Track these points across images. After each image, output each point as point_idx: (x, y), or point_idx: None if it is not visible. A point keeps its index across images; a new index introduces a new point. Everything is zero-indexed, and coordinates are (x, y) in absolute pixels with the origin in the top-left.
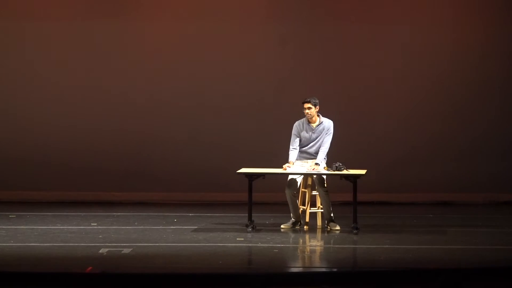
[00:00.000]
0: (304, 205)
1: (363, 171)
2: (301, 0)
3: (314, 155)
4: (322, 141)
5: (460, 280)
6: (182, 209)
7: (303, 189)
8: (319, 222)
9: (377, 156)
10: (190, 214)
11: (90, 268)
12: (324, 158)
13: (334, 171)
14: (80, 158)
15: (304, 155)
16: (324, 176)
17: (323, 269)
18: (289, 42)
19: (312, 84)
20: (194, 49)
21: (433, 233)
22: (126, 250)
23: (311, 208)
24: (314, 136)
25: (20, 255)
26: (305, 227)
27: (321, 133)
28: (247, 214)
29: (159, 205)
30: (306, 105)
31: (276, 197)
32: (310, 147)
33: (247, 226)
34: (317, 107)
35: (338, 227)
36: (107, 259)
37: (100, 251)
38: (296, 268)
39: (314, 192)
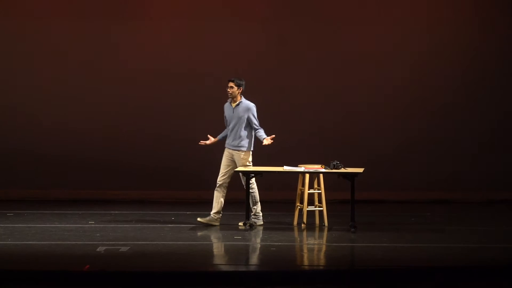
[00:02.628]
0: (301, 203)
1: (360, 170)
2: (300, 0)
3: (233, 143)
4: (251, 124)
5: (457, 278)
6: (179, 207)
7: (300, 188)
8: (317, 220)
9: (375, 155)
10: (187, 212)
11: (87, 266)
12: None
13: (331, 169)
14: (78, 156)
15: (228, 140)
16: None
17: (321, 268)
18: (288, 42)
19: (311, 84)
20: (193, 49)
21: (430, 231)
22: (123, 248)
23: (309, 207)
24: (234, 115)
25: (18, 253)
26: (302, 225)
27: (240, 113)
28: (244, 213)
29: (157, 203)
30: (230, 84)
31: (274, 195)
32: (231, 130)
33: (244, 224)
34: (241, 88)
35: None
36: (104, 257)
37: (98, 249)
38: (293, 266)
39: (311, 191)
